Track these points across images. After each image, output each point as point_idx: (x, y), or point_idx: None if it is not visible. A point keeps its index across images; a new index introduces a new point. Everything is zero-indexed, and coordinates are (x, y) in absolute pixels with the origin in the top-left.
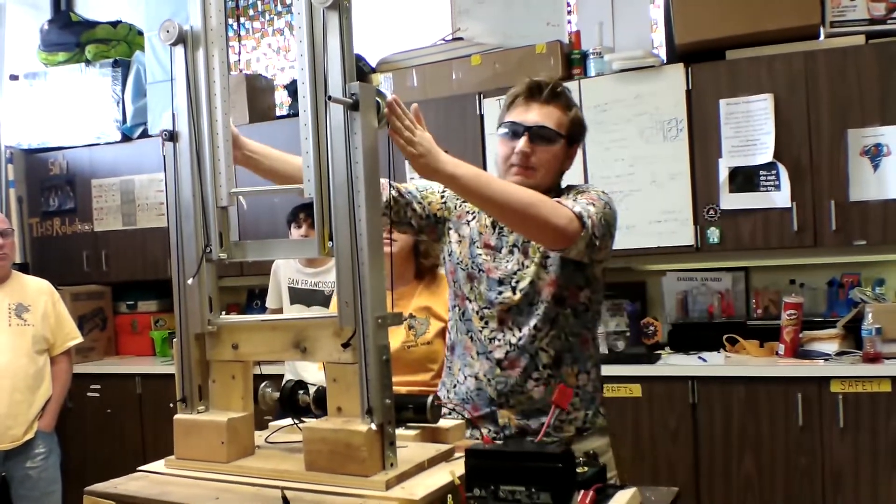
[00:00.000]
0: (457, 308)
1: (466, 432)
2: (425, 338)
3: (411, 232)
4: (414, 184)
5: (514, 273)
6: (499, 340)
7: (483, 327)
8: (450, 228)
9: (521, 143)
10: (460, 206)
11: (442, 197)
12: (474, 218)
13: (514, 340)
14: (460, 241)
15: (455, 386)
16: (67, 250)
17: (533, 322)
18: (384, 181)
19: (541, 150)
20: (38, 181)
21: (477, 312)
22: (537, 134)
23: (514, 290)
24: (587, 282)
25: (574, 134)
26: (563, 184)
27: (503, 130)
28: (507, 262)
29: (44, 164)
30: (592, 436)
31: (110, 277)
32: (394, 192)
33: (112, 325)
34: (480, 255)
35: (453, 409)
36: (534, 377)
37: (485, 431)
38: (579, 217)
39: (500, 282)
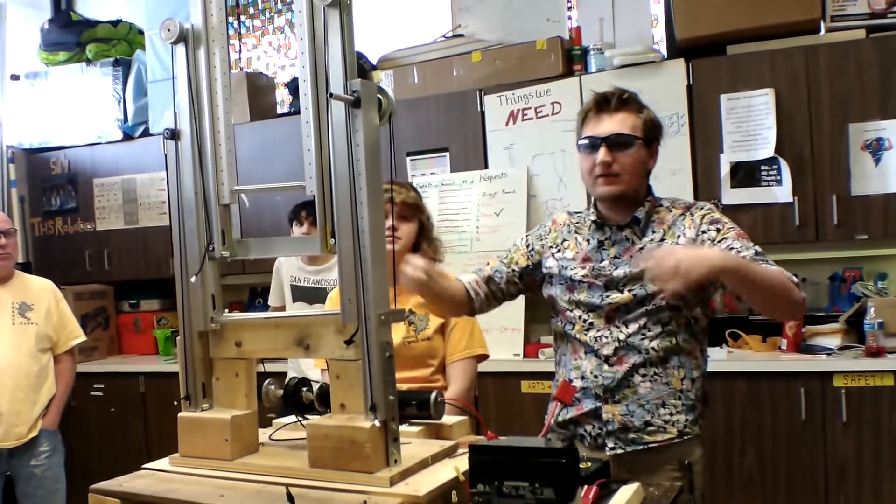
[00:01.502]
0: (559, 323)
1: (569, 430)
2: (425, 333)
3: (514, 298)
4: (497, 257)
5: (623, 277)
6: (606, 338)
7: (588, 329)
8: (543, 265)
9: (601, 153)
10: (545, 244)
11: (528, 246)
12: (558, 249)
13: (622, 337)
14: (549, 271)
15: None
16: (70, 250)
17: (643, 321)
18: (471, 280)
19: (621, 156)
20: (39, 181)
21: (580, 317)
22: (614, 142)
23: (621, 291)
24: (704, 302)
25: (650, 134)
26: (655, 189)
27: (583, 144)
28: (612, 269)
29: (45, 163)
30: (692, 441)
31: (113, 276)
32: (484, 291)
33: (115, 325)
34: (577, 271)
35: (555, 418)
36: (640, 372)
37: (589, 428)
38: (796, 283)
39: (607, 286)
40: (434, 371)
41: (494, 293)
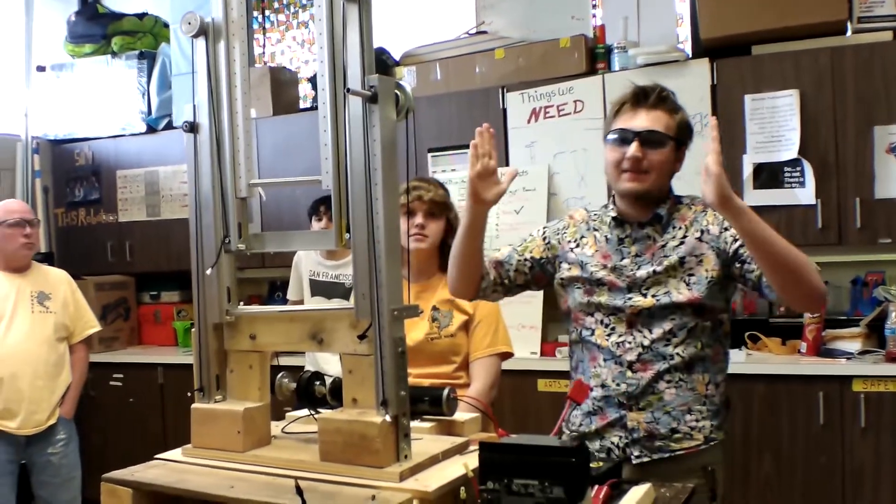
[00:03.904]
0: (575, 329)
1: (595, 443)
2: (448, 330)
3: (520, 291)
4: (510, 246)
5: (646, 280)
6: (629, 343)
7: (609, 334)
8: (560, 262)
9: (632, 148)
10: (563, 238)
11: (544, 238)
12: (577, 245)
13: (646, 342)
14: (570, 268)
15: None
16: (92, 241)
17: (667, 326)
18: (485, 260)
19: (651, 153)
20: (63, 172)
21: (601, 321)
22: (647, 138)
23: (644, 295)
24: (727, 303)
25: (682, 136)
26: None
27: (613, 136)
28: (633, 270)
29: (70, 154)
30: (716, 448)
31: (134, 268)
32: (493, 273)
33: (135, 315)
34: (598, 271)
35: (578, 429)
36: (665, 379)
37: (615, 439)
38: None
39: (629, 288)
40: (457, 368)
41: (502, 278)
